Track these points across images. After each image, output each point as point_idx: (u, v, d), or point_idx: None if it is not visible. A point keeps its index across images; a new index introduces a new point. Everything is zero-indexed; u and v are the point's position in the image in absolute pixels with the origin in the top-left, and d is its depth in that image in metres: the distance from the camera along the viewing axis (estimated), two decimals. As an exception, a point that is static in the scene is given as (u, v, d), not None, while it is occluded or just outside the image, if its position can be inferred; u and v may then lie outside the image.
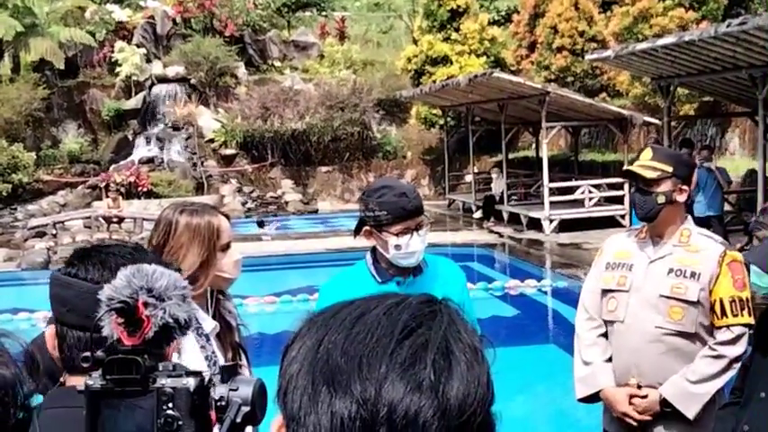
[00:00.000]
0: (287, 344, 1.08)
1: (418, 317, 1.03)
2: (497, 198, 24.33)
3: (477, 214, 25.15)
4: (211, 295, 3.25)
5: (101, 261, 1.90)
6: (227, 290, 3.37)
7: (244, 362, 3.31)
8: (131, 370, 1.29)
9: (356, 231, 3.74)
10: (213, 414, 1.36)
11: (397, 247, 3.52)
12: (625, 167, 4.30)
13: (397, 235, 3.51)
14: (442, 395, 0.97)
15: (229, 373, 1.43)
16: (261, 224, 25.02)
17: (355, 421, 0.96)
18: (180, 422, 1.28)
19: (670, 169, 4.01)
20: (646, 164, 4.05)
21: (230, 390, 1.38)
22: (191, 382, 1.31)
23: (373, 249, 3.73)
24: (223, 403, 1.39)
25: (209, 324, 3.16)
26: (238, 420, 1.38)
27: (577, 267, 15.82)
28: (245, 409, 1.38)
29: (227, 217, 3.29)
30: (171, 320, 1.33)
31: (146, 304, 1.30)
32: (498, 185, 24.67)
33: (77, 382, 1.63)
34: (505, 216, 23.53)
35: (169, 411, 1.29)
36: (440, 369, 0.99)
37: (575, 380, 4.33)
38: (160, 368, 1.32)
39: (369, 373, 0.98)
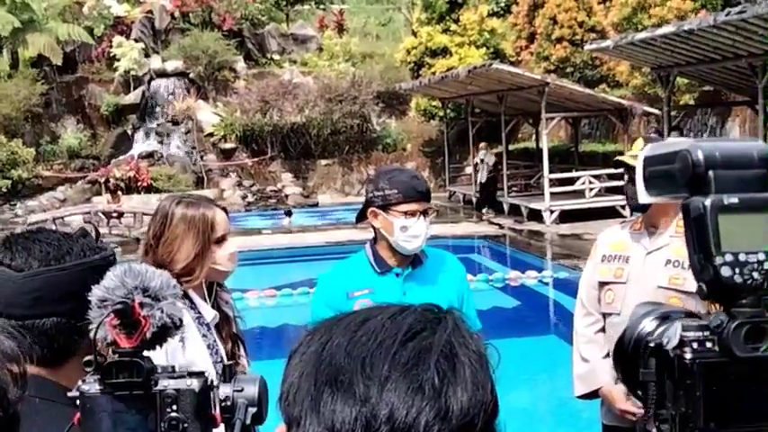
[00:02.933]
0: (291, 352, 1.07)
1: (422, 321, 1.03)
2: (489, 174, 24.08)
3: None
4: (210, 287, 3.28)
5: (26, 248, 1.85)
6: (224, 282, 3.40)
7: (242, 352, 3.35)
8: (132, 373, 1.25)
9: (360, 216, 3.76)
10: (218, 414, 1.34)
11: (403, 228, 3.52)
12: (616, 158, 4.26)
13: (404, 215, 3.51)
14: (444, 398, 0.97)
15: (230, 372, 1.41)
16: (289, 213, 25.25)
17: (357, 421, 0.95)
18: (185, 424, 1.26)
19: None
20: (637, 154, 3.99)
21: (235, 390, 1.36)
22: (195, 384, 1.28)
23: (373, 240, 3.72)
24: (228, 403, 1.36)
25: (210, 314, 3.20)
26: (248, 422, 1.36)
27: (578, 258, 15.79)
28: (253, 409, 1.36)
29: (225, 210, 3.30)
30: (169, 321, 1.29)
31: (142, 305, 1.27)
32: (489, 161, 24.26)
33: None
34: (506, 207, 23.51)
35: (173, 414, 1.26)
36: (443, 372, 0.98)
37: (573, 377, 4.32)
38: (159, 370, 1.29)
39: (371, 373, 0.97)
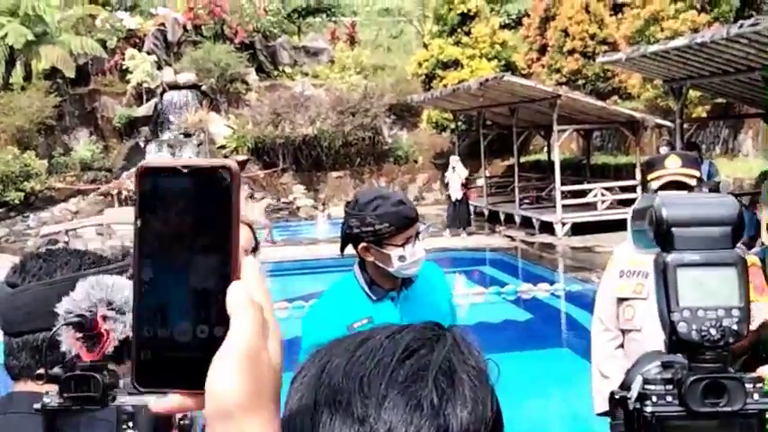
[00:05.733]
0: (293, 377, 1.07)
1: (421, 339, 1.02)
2: (461, 194, 22.99)
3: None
4: None
5: (25, 265, 1.87)
6: None
7: None
8: (90, 387, 1.24)
9: (344, 246, 3.61)
10: None
11: (402, 258, 3.39)
12: (670, 178, 4.14)
13: (402, 246, 3.38)
14: (443, 415, 0.96)
15: None
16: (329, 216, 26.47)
17: None
18: None
19: (698, 173, 4.01)
20: (684, 172, 4.01)
21: None
22: (152, 400, 1.27)
23: (361, 264, 3.58)
24: (186, 422, 1.36)
25: None
26: None
27: (590, 271, 15.75)
28: None
29: (250, 226, 3.24)
30: (131, 335, 1.28)
31: (105, 318, 1.25)
32: (462, 174, 23.57)
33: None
34: (518, 219, 23.46)
35: (129, 431, 1.24)
36: (442, 389, 0.97)
37: (593, 393, 4.29)
38: (120, 385, 1.28)
39: (369, 392, 0.96)
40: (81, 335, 1.25)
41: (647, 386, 1.12)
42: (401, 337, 1.02)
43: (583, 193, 22.34)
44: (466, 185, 23.40)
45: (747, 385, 1.09)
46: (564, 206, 21.42)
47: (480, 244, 21.47)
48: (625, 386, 1.20)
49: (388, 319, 3.39)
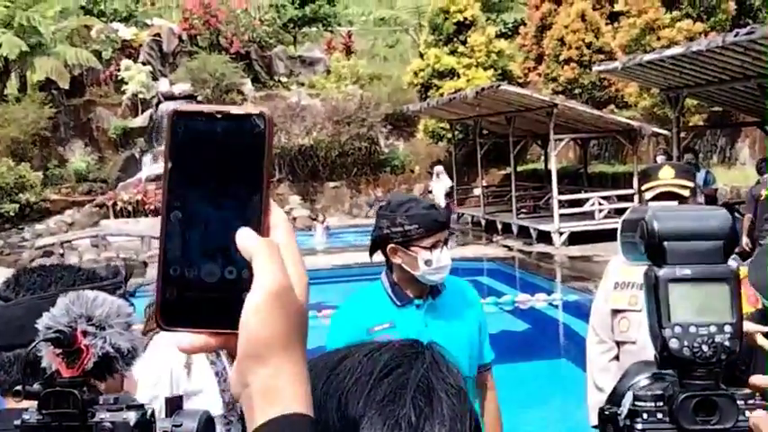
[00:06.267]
0: None
1: (399, 357, 1.02)
2: (443, 203, 23.27)
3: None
4: None
5: (18, 279, 1.87)
6: None
7: None
8: (68, 404, 1.22)
9: (373, 250, 3.62)
10: None
11: (428, 262, 3.41)
12: (663, 189, 4.12)
13: (429, 249, 3.40)
14: None
15: (173, 407, 1.38)
16: (327, 228, 26.66)
17: None
18: None
19: (692, 185, 4.02)
20: (677, 182, 4.02)
21: (174, 426, 1.33)
22: (131, 417, 1.24)
23: (389, 269, 3.59)
24: None
25: None
26: None
27: (588, 280, 15.68)
28: None
29: None
30: (112, 350, 1.26)
31: (85, 333, 1.24)
32: (446, 183, 23.47)
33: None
34: (515, 229, 23.41)
35: None
36: (420, 408, 0.97)
37: (588, 406, 4.29)
38: (100, 401, 1.26)
39: (346, 411, 0.97)
40: (60, 351, 1.24)
41: (638, 403, 1.11)
42: (380, 356, 1.02)
43: (580, 203, 22.29)
44: (449, 195, 23.42)
45: (739, 402, 1.08)
46: (561, 215, 21.38)
47: (477, 254, 21.42)
48: (614, 399, 1.19)
49: (410, 325, 3.43)
